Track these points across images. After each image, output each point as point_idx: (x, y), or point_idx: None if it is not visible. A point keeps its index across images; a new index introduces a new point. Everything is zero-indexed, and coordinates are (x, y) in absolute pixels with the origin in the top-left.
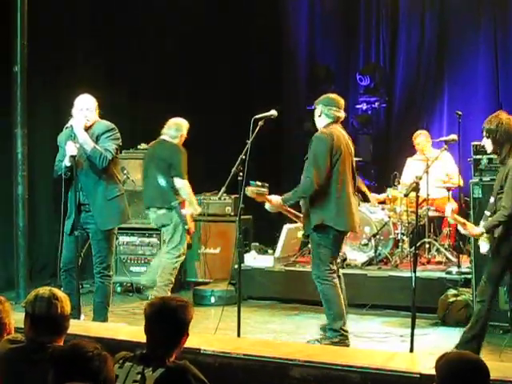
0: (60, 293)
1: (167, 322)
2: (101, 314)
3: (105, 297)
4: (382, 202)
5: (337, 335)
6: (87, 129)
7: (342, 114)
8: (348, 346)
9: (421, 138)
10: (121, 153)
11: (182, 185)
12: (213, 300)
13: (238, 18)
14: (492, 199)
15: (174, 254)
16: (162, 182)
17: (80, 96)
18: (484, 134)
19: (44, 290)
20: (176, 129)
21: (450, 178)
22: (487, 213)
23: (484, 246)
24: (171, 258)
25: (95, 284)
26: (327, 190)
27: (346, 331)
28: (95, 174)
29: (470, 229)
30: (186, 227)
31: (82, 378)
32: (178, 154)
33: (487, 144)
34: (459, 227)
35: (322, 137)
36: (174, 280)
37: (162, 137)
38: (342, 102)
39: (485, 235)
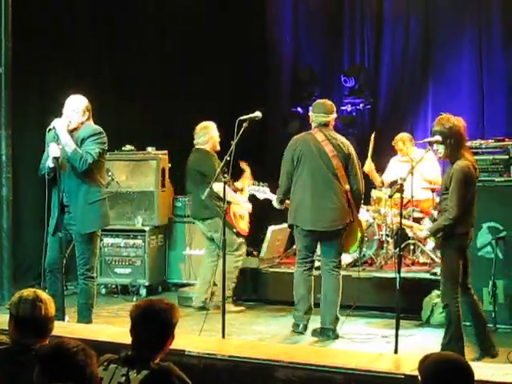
0: (44, 295)
1: (153, 324)
2: (85, 316)
3: (88, 298)
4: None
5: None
6: (73, 131)
7: (328, 118)
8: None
9: (399, 146)
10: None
11: (220, 188)
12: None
13: (222, 21)
14: (437, 199)
15: (234, 254)
16: (201, 195)
17: (70, 97)
18: (435, 137)
19: (28, 292)
20: (204, 133)
21: (432, 182)
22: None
23: (430, 244)
24: (233, 259)
25: (79, 286)
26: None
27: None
28: (77, 176)
29: (417, 232)
30: (234, 230)
31: (68, 375)
32: (207, 161)
33: (440, 149)
34: (407, 230)
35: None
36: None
37: (196, 146)
38: (328, 106)
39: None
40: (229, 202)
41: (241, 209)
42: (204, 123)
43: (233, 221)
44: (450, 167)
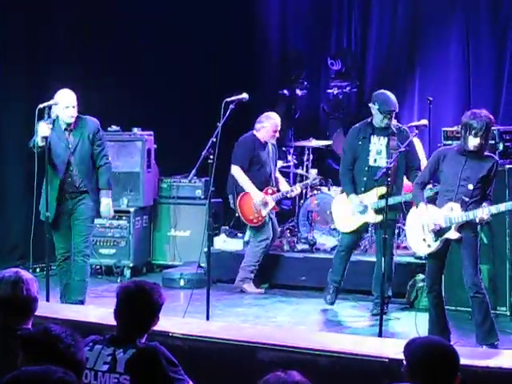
0: (27, 275)
1: (139, 304)
2: (82, 293)
3: (86, 276)
4: None
5: None
6: (72, 125)
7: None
8: None
9: None
10: None
11: (233, 171)
12: (182, 283)
13: (210, 3)
14: (471, 186)
15: (256, 240)
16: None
17: (63, 92)
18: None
19: (10, 273)
20: (260, 121)
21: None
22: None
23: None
24: (253, 243)
25: (75, 264)
26: None
27: None
28: (90, 164)
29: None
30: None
31: (55, 361)
32: (239, 144)
33: (476, 142)
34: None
35: None
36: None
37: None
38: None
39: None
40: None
41: (255, 199)
42: (266, 113)
43: (238, 206)
44: (478, 159)
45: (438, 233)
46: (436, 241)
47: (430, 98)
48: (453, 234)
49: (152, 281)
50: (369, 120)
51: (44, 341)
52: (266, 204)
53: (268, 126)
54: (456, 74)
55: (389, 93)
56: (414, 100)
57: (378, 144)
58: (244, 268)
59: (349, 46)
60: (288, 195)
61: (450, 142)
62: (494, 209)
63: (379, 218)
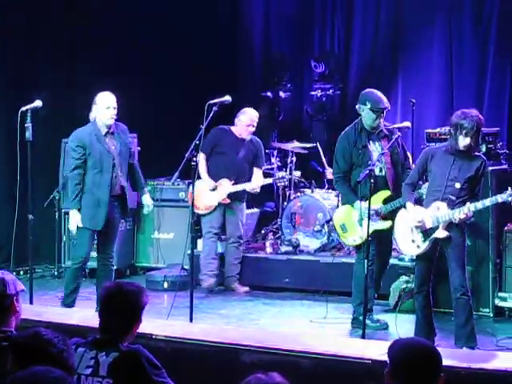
0: (8, 276)
1: (121, 306)
2: None
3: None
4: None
5: None
6: (112, 127)
7: None
8: None
9: None
10: None
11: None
12: (165, 285)
13: (193, 5)
14: (458, 185)
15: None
16: None
17: (103, 93)
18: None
19: None
20: (237, 116)
21: None
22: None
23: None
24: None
25: (107, 267)
26: None
27: None
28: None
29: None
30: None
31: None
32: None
33: (467, 141)
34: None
35: None
36: None
37: None
38: None
39: None
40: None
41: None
42: (245, 108)
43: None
44: (467, 159)
45: (427, 233)
46: (425, 241)
47: (413, 100)
48: (441, 233)
49: (138, 284)
50: (359, 125)
51: (36, 345)
52: (215, 192)
53: (242, 120)
54: (439, 76)
55: (377, 91)
56: (397, 102)
57: (376, 151)
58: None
59: (332, 48)
60: (248, 189)
61: (432, 144)
62: (473, 207)
63: (388, 223)
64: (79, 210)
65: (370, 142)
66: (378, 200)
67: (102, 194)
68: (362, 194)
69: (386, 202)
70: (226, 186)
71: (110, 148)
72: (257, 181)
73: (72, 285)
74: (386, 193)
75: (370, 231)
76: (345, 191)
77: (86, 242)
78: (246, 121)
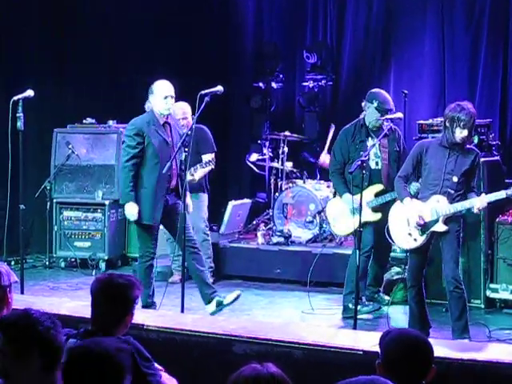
0: (2, 267)
1: (113, 298)
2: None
3: None
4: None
5: None
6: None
7: None
8: None
9: None
10: (66, 127)
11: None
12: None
13: None
14: (455, 179)
15: None
16: None
17: (161, 82)
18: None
19: None
20: None
21: None
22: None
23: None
24: None
25: (193, 255)
26: None
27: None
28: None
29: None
30: None
31: (35, 344)
32: None
33: (464, 134)
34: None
35: None
36: None
37: None
38: None
39: None
40: None
41: None
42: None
43: None
44: (461, 152)
45: (425, 226)
46: (422, 235)
47: (405, 91)
48: (440, 227)
49: (130, 276)
50: (361, 121)
51: (24, 323)
52: None
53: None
54: (431, 67)
55: (385, 92)
56: (390, 93)
57: (374, 147)
58: None
59: (324, 39)
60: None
61: (424, 135)
62: (493, 196)
63: (378, 216)
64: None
65: (369, 138)
66: (370, 193)
67: (159, 187)
68: (355, 185)
69: (377, 195)
70: None
71: (168, 139)
72: None
73: (147, 284)
74: (379, 187)
75: (359, 223)
76: (337, 183)
77: (149, 238)
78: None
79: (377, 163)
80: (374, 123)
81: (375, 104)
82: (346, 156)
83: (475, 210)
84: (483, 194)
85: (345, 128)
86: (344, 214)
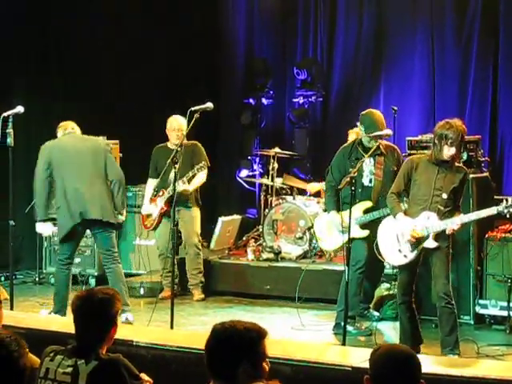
0: None
1: (93, 315)
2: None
3: None
4: (318, 195)
5: None
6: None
7: None
8: None
9: (352, 136)
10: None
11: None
12: (142, 291)
13: (174, 9)
14: (445, 195)
15: None
16: None
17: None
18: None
19: None
20: None
21: None
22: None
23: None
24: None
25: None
26: None
27: None
28: None
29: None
30: None
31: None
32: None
33: (452, 151)
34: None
35: None
36: None
37: None
38: None
39: None
40: None
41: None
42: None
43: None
44: (450, 170)
45: (417, 242)
46: (413, 251)
47: (395, 108)
48: (431, 243)
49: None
50: (358, 140)
51: None
52: (154, 208)
53: (168, 128)
54: (421, 83)
55: (376, 113)
56: (379, 109)
57: (370, 165)
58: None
59: (314, 55)
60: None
61: (413, 152)
62: (466, 218)
63: (365, 232)
64: None
65: (365, 156)
66: (359, 209)
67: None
68: (344, 201)
69: (366, 212)
70: (159, 198)
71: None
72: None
73: None
74: (368, 204)
75: (347, 239)
76: (328, 200)
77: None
78: (170, 129)
79: (370, 180)
80: (366, 144)
81: (362, 128)
82: (343, 173)
83: (448, 231)
84: (461, 214)
85: (343, 146)
86: (331, 230)
